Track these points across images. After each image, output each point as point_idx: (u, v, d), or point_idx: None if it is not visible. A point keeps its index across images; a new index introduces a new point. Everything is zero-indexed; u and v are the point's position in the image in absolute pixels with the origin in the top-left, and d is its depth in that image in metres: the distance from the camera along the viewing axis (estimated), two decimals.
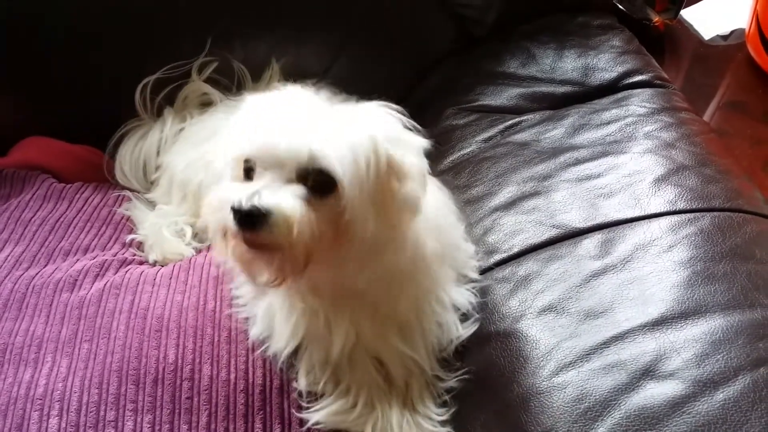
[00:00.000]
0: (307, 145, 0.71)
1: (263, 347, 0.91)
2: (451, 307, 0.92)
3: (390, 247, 0.80)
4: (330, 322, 0.86)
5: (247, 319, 0.94)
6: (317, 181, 0.72)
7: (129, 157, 1.32)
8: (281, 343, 0.89)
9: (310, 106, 0.77)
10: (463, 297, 0.93)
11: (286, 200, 0.71)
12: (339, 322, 0.86)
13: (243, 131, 0.76)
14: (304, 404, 0.89)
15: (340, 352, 0.87)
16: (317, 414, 0.88)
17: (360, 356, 0.89)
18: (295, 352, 0.90)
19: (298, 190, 0.72)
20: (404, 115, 0.80)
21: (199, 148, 1.17)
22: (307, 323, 0.87)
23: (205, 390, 0.87)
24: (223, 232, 0.75)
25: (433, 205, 0.89)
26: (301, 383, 0.90)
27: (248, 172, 0.76)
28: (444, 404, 0.90)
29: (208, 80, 1.33)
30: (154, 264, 1.13)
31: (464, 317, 0.93)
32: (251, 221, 0.70)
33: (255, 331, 0.92)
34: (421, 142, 0.80)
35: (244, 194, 0.71)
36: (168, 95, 1.33)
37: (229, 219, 0.71)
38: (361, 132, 0.74)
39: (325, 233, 0.73)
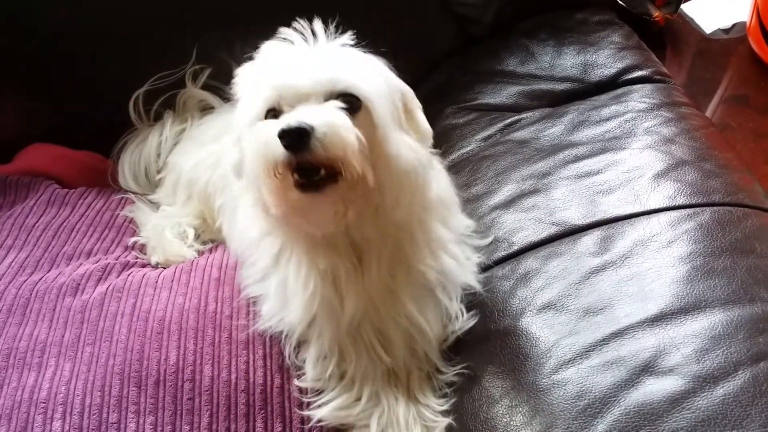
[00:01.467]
0: (328, 72, 0.74)
1: (274, 324, 0.91)
2: (460, 282, 0.92)
3: (418, 171, 0.80)
4: (344, 290, 0.86)
5: (256, 298, 0.95)
6: (344, 103, 0.73)
7: (130, 160, 1.33)
8: (296, 315, 0.88)
9: (319, 41, 0.79)
10: (471, 274, 0.93)
11: (329, 113, 0.71)
12: (351, 289, 0.85)
13: (261, 79, 0.77)
14: (307, 400, 0.89)
15: (350, 321, 0.86)
16: (321, 410, 0.88)
17: (365, 333, 0.88)
18: (299, 345, 0.91)
19: (337, 104, 0.73)
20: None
21: (206, 148, 1.18)
22: (321, 291, 0.86)
23: (207, 391, 0.88)
24: (274, 168, 0.72)
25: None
26: (308, 373, 0.90)
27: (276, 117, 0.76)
28: (444, 396, 0.90)
29: (208, 87, 1.34)
30: (156, 266, 1.13)
31: (467, 308, 0.93)
32: (302, 141, 0.69)
33: (267, 307, 0.92)
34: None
35: (287, 119, 0.70)
36: (167, 101, 1.34)
37: (278, 149, 0.70)
38: (369, 60, 0.79)
39: (365, 151, 0.73)
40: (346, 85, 0.74)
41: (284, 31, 0.80)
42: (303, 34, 0.80)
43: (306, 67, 0.75)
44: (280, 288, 0.90)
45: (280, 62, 0.77)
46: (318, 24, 0.80)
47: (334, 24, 0.81)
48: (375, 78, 0.77)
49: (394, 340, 0.89)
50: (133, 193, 1.30)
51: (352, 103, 0.74)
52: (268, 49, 0.80)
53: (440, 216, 0.91)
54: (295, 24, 0.81)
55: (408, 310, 0.87)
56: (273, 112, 0.76)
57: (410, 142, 0.80)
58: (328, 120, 0.70)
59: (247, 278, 0.97)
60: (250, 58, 0.82)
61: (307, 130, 0.69)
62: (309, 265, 0.85)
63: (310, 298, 0.86)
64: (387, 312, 0.87)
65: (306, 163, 0.71)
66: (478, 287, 0.93)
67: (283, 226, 0.82)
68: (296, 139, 0.69)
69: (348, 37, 0.81)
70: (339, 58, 0.77)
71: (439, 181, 0.92)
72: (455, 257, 0.92)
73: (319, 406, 0.88)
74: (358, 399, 0.88)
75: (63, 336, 0.95)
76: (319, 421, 0.88)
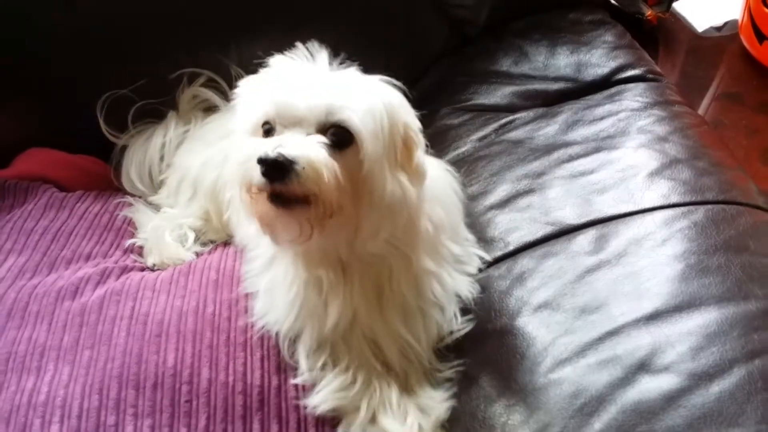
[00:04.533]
0: (326, 100, 0.74)
1: (264, 323, 0.92)
2: (454, 294, 0.92)
3: (403, 209, 0.80)
4: (327, 297, 0.86)
5: (251, 294, 0.96)
6: (336, 135, 0.74)
7: (135, 161, 1.32)
8: (280, 316, 0.90)
9: (325, 67, 0.80)
10: (466, 285, 0.94)
11: (311, 148, 0.72)
12: (335, 297, 0.86)
13: (261, 93, 0.78)
14: (302, 393, 0.89)
15: (333, 328, 0.87)
16: (318, 395, 0.87)
17: (356, 339, 0.89)
18: (295, 338, 0.91)
19: (320, 139, 0.74)
20: (405, 93, 0.83)
21: (214, 147, 1.18)
22: (305, 296, 0.87)
23: (204, 393, 0.88)
24: (249, 187, 0.74)
25: (438, 180, 0.92)
26: (302, 365, 0.90)
27: (268, 134, 0.77)
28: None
29: (207, 84, 1.34)
30: (152, 268, 1.13)
31: (463, 312, 0.93)
32: (279, 172, 0.70)
33: (257, 306, 0.93)
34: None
35: (269, 146, 0.71)
36: (149, 110, 1.34)
37: (256, 172, 0.71)
38: (376, 92, 0.78)
39: (345, 186, 0.74)
40: (340, 118, 0.74)
41: (298, 50, 0.81)
42: (312, 55, 0.81)
43: (308, 91, 0.75)
44: (269, 288, 0.91)
45: (285, 79, 0.78)
46: (324, 50, 0.81)
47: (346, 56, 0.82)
48: (373, 114, 0.76)
49: (385, 348, 0.89)
50: (133, 195, 1.30)
51: (344, 136, 0.74)
52: (276, 63, 0.81)
53: (431, 243, 0.90)
54: (307, 45, 0.82)
55: (395, 328, 0.88)
56: (267, 125, 0.77)
57: (402, 179, 0.79)
58: (308, 155, 0.71)
59: (246, 273, 0.98)
60: (258, 67, 0.82)
61: (284, 164, 0.70)
62: (295, 270, 0.87)
63: (293, 300, 0.88)
64: (376, 326, 0.88)
65: (280, 191, 0.72)
66: (470, 297, 0.93)
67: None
68: (273, 169, 0.71)
69: (356, 67, 0.81)
70: (342, 87, 0.77)
71: (443, 206, 0.92)
72: (445, 281, 0.92)
73: (316, 393, 0.88)
74: (354, 382, 0.88)
75: (62, 339, 0.95)
76: (315, 407, 0.87)
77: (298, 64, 0.80)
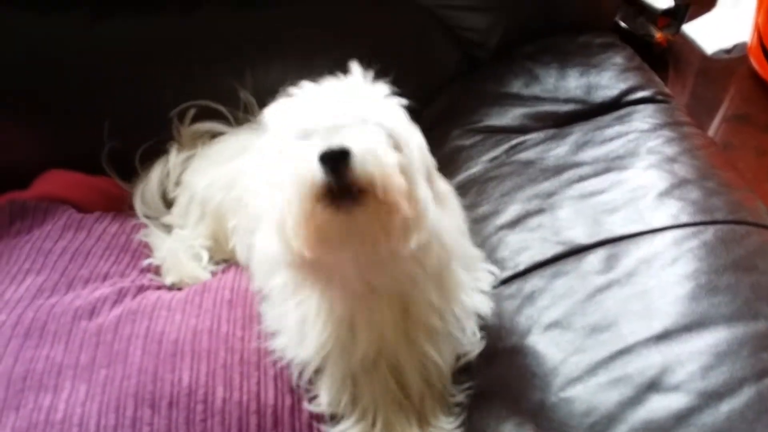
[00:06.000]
0: (364, 106, 0.76)
1: (287, 359, 0.93)
2: (473, 313, 0.93)
3: (430, 217, 0.79)
4: (355, 329, 0.87)
5: (272, 333, 0.96)
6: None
7: (139, 191, 1.35)
8: (309, 352, 0.89)
9: (356, 80, 0.82)
10: (484, 303, 0.95)
11: (369, 137, 0.72)
12: (364, 328, 0.86)
13: (294, 113, 0.78)
14: (323, 428, 0.90)
15: (362, 359, 0.87)
16: None
17: (380, 369, 0.90)
18: (317, 371, 0.92)
19: (372, 130, 0.74)
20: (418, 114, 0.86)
21: (221, 168, 1.19)
22: (335, 330, 0.87)
23: (219, 412, 0.89)
24: (308, 192, 0.71)
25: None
26: (322, 399, 0.91)
27: None
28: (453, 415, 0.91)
29: (212, 111, 1.36)
30: (171, 287, 1.15)
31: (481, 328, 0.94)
32: (343, 164, 0.69)
33: (281, 342, 0.93)
34: None
35: (326, 143, 0.70)
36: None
37: (317, 171, 0.69)
38: (395, 105, 0.80)
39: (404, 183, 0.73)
40: (385, 124, 0.76)
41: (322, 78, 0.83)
42: (339, 77, 0.82)
43: (341, 103, 0.76)
44: (299, 326, 0.90)
45: (316, 98, 0.79)
46: (356, 67, 0.83)
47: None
48: (411, 128, 0.79)
49: (409, 374, 0.90)
50: (146, 217, 1.32)
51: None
52: (304, 87, 0.82)
53: (457, 259, 0.92)
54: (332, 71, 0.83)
55: (421, 347, 0.89)
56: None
57: (431, 197, 0.80)
58: (369, 143, 0.72)
59: (266, 314, 0.98)
60: (277, 94, 0.83)
61: (347, 152, 0.69)
62: (328, 309, 0.87)
63: (326, 340, 0.88)
64: (400, 349, 0.89)
65: (344, 187, 0.71)
66: (488, 313, 0.94)
67: (306, 271, 0.81)
68: (338, 161, 0.69)
69: (384, 85, 0.82)
70: (379, 101, 0.79)
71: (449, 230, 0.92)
72: (468, 297, 0.93)
73: None
74: (374, 425, 0.89)
75: (78, 358, 0.97)
76: None
77: (326, 83, 0.82)
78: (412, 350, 0.89)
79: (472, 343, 0.93)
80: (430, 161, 0.84)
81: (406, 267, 0.82)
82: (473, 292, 0.95)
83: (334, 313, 0.86)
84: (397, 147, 0.76)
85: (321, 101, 0.78)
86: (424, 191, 0.77)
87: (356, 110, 0.75)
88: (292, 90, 0.82)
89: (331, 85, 0.81)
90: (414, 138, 0.80)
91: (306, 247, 0.73)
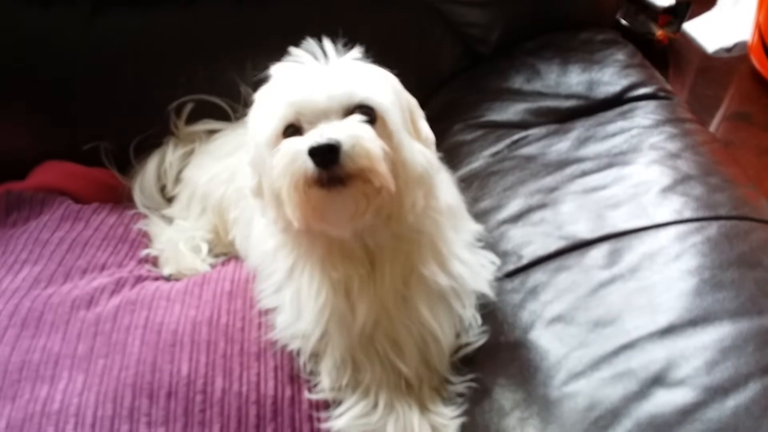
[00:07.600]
0: (343, 85, 0.77)
1: (288, 335, 0.93)
2: (472, 291, 0.93)
3: (431, 175, 0.84)
4: (355, 298, 0.87)
5: (271, 311, 0.96)
6: (362, 115, 0.77)
7: (137, 183, 1.34)
8: (307, 327, 0.90)
9: (332, 58, 0.82)
10: (483, 281, 0.95)
11: (354, 127, 0.74)
12: (364, 296, 0.86)
13: (277, 98, 0.79)
14: (324, 415, 0.90)
15: (360, 330, 0.87)
16: (341, 419, 0.88)
17: (379, 343, 0.89)
18: (313, 356, 0.92)
19: (357, 119, 0.76)
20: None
21: (222, 162, 1.19)
22: (334, 302, 0.87)
23: (218, 403, 0.88)
24: (301, 182, 0.75)
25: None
26: (324, 383, 0.90)
27: (295, 136, 0.78)
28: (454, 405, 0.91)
29: (212, 105, 1.35)
30: (168, 278, 1.14)
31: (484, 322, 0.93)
32: (332, 155, 0.72)
33: (281, 319, 0.94)
34: None
35: (313, 138, 0.73)
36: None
37: (308, 165, 0.73)
38: (378, 70, 0.83)
39: (386, 159, 0.76)
40: (362, 98, 0.77)
41: (295, 52, 0.83)
42: (313, 54, 0.82)
43: (321, 83, 0.77)
44: (294, 299, 0.91)
45: (295, 81, 0.79)
46: (327, 43, 0.83)
47: (341, 45, 0.84)
48: (387, 89, 0.80)
49: (407, 349, 0.89)
50: (146, 207, 1.31)
51: (369, 115, 0.77)
52: (280, 69, 0.83)
53: (451, 221, 0.93)
54: (304, 44, 0.83)
55: (421, 315, 0.88)
56: (292, 129, 0.78)
57: (421, 148, 0.83)
58: (354, 133, 0.74)
59: (262, 291, 0.98)
60: (262, 81, 0.84)
61: (336, 146, 0.72)
62: (322, 276, 0.87)
63: (322, 308, 0.88)
64: (400, 319, 0.88)
65: (334, 176, 0.74)
66: (491, 294, 0.94)
67: (301, 237, 0.84)
68: (327, 155, 0.72)
69: (357, 52, 0.83)
70: (351, 72, 0.80)
71: (447, 188, 0.94)
72: (467, 263, 0.93)
73: (338, 417, 0.89)
74: (375, 406, 0.89)
75: (76, 348, 0.96)
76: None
77: (302, 64, 0.82)
78: (411, 319, 0.89)
79: (473, 325, 0.93)
80: (413, 104, 0.86)
81: (405, 222, 0.83)
82: (473, 268, 0.95)
83: (329, 280, 0.87)
84: (382, 123, 0.78)
85: (302, 86, 0.78)
86: (409, 152, 0.79)
87: (337, 91, 0.77)
88: (273, 72, 0.83)
89: (308, 68, 0.81)
90: (393, 97, 0.80)
91: (303, 223, 0.77)
